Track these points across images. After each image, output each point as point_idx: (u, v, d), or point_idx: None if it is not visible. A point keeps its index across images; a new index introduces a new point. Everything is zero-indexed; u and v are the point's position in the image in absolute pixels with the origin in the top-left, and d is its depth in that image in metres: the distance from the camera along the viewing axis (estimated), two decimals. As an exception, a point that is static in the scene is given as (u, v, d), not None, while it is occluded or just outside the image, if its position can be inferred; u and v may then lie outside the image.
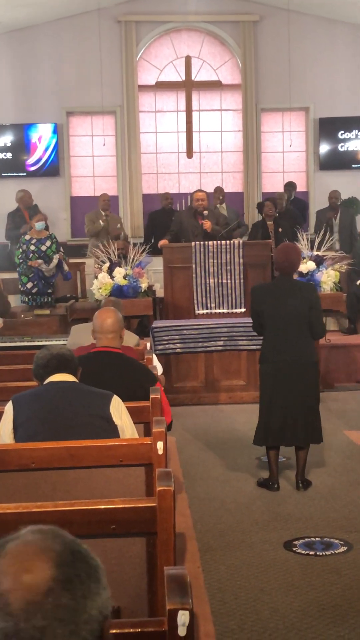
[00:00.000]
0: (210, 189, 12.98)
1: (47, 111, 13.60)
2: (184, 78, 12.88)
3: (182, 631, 1.68)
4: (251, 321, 5.86)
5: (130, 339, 5.98)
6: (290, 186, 13.17)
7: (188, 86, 12.82)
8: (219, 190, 12.72)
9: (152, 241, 10.19)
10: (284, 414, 5.50)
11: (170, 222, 11.14)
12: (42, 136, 13.65)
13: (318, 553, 4.37)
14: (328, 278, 9.18)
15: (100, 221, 11.50)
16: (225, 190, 13.21)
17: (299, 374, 5.51)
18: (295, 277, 8.87)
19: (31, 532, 1.27)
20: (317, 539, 4.60)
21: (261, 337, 5.78)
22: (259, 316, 5.61)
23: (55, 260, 9.87)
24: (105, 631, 1.23)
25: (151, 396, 4.34)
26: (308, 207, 13.55)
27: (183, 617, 1.68)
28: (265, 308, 5.56)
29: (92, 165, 14.04)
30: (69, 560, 1.22)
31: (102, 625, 1.22)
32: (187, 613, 1.68)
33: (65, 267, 10.10)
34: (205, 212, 9.74)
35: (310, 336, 5.60)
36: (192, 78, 12.94)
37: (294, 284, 5.79)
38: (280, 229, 11.14)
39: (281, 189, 13.23)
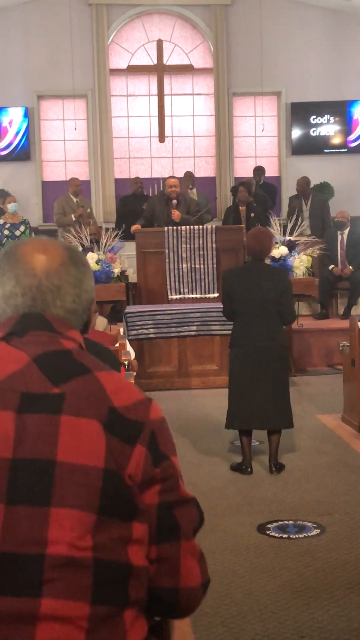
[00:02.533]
0: (183, 174, 12.95)
1: (18, 95, 13.49)
2: (155, 62, 12.82)
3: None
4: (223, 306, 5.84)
5: (99, 323, 5.96)
6: (259, 170, 13.16)
7: (160, 70, 12.76)
8: (188, 175, 12.66)
9: (124, 226, 10.15)
10: (256, 399, 5.52)
11: (141, 206, 11.14)
12: (13, 120, 13.54)
13: (291, 536, 4.40)
14: (300, 263, 9.21)
15: (72, 216, 11.36)
16: (197, 175, 13.21)
17: (270, 358, 5.52)
18: (268, 261, 8.95)
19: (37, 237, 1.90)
20: (290, 522, 4.63)
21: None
22: (232, 300, 5.61)
23: None
24: (92, 307, 1.70)
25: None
26: (278, 191, 13.55)
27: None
28: (237, 292, 5.56)
29: (64, 150, 13.96)
30: (73, 249, 1.72)
31: (91, 302, 1.69)
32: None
33: None
34: (175, 201, 9.72)
35: (280, 321, 5.62)
36: (164, 62, 12.88)
37: (266, 268, 5.80)
38: (252, 214, 11.15)
39: (252, 174, 13.23)
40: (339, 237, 10.73)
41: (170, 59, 13.52)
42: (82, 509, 1.45)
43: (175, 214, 9.64)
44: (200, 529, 1.63)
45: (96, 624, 1.43)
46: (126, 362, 5.00)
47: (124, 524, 1.48)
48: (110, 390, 1.53)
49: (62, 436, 1.47)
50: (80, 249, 9.21)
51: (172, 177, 10.28)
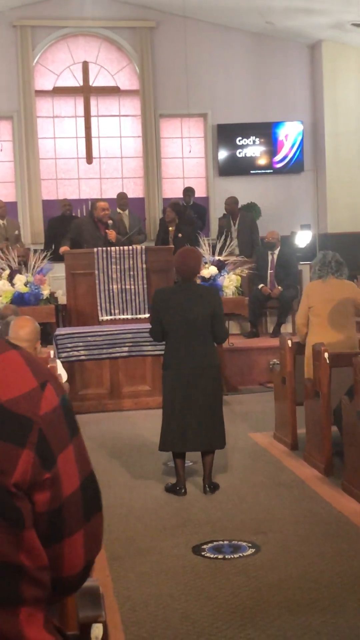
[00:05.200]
0: (111, 195, 12.96)
1: None
2: (81, 83, 12.83)
3: (95, 644, 1.65)
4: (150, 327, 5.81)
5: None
6: (189, 191, 13.22)
7: (86, 91, 12.79)
8: (122, 196, 12.63)
9: (53, 248, 10.08)
10: (189, 421, 5.50)
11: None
12: None
13: (226, 556, 4.39)
14: (230, 282, 9.28)
15: None
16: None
17: (202, 379, 5.51)
18: (198, 281, 8.98)
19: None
20: (225, 542, 4.61)
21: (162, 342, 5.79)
22: (161, 322, 5.58)
23: None
24: None
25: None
26: (207, 212, 13.66)
27: (96, 630, 1.65)
28: (167, 313, 5.54)
29: (-10, 171, 13.81)
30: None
31: None
32: (100, 626, 1.65)
33: None
34: (110, 221, 9.71)
35: (212, 341, 5.62)
36: (90, 83, 12.90)
37: (197, 288, 5.77)
38: (180, 234, 11.19)
39: (181, 195, 13.30)
40: (270, 257, 10.83)
41: (96, 81, 13.54)
42: None
43: (112, 234, 9.62)
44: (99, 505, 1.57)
45: None
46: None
47: (12, 530, 1.42)
48: None
49: None
50: (8, 270, 9.11)
51: (102, 199, 10.23)
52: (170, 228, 11.41)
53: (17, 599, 1.42)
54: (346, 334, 6.38)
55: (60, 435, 1.48)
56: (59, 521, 1.48)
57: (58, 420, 1.48)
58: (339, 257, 6.59)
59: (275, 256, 10.83)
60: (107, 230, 9.68)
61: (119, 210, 12.01)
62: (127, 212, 12.14)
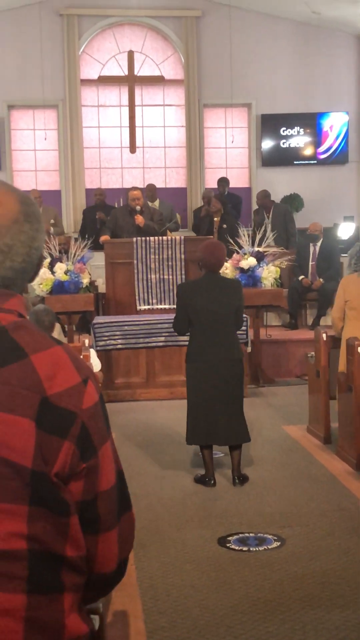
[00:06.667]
0: (155, 184, 12.95)
1: (-12, 104, 13.44)
2: (126, 73, 12.86)
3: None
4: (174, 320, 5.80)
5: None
6: (223, 181, 13.13)
7: (131, 81, 12.81)
8: (149, 187, 12.56)
9: (93, 236, 10.13)
10: (217, 414, 5.52)
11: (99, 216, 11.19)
12: (-17, 130, 13.48)
13: (251, 549, 4.40)
14: (269, 274, 9.23)
15: None
16: (169, 186, 13.25)
17: (228, 372, 5.52)
18: (237, 273, 8.96)
19: None
20: (251, 534, 4.62)
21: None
22: (186, 313, 5.59)
23: None
24: (41, 262, 1.62)
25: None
26: (242, 202, 13.55)
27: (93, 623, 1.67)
28: (193, 305, 5.55)
29: (34, 159, 13.93)
30: (28, 201, 1.59)
31: (40, 258, 1.61)
32: (97, 617, 1.67)
33: None
34: (138, 207, 9.72)
35: (236, 334, 5.64)
36: (135, 73, 12.92)
37: (222, 280, 5.78)
38: (224, 225, 11.16)
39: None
40: (312, 249, 10.74)
41: (141, 70, 13.56)
42: (12, 502, 1.43)
43: (139, 219, 9.63)
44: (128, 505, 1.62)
45: (33, 612, 1.43)
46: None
47: (59, 518, 1.47)
48: (45, 375, 1.47)
49: None
50: (49, 259, 9.18)
51: (135, 188, 10.24)
52: (216, 219, 11.39)
53: (60, 586, 1.47)
54: (383, 328, 6.32)
55: (101, 430, 1.53)
56: (93, 514, 1.53)
57: (98, 415, 1.53)
58: None
59: (317, 248, 10.73)
60: (135, 216, 9.70)
61: (149, 202, 11.99)
62: (156, 202, 12.11)
